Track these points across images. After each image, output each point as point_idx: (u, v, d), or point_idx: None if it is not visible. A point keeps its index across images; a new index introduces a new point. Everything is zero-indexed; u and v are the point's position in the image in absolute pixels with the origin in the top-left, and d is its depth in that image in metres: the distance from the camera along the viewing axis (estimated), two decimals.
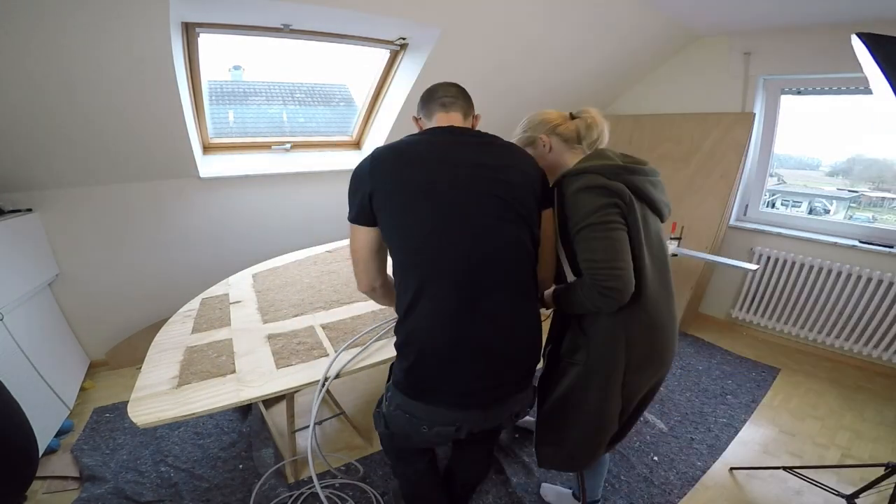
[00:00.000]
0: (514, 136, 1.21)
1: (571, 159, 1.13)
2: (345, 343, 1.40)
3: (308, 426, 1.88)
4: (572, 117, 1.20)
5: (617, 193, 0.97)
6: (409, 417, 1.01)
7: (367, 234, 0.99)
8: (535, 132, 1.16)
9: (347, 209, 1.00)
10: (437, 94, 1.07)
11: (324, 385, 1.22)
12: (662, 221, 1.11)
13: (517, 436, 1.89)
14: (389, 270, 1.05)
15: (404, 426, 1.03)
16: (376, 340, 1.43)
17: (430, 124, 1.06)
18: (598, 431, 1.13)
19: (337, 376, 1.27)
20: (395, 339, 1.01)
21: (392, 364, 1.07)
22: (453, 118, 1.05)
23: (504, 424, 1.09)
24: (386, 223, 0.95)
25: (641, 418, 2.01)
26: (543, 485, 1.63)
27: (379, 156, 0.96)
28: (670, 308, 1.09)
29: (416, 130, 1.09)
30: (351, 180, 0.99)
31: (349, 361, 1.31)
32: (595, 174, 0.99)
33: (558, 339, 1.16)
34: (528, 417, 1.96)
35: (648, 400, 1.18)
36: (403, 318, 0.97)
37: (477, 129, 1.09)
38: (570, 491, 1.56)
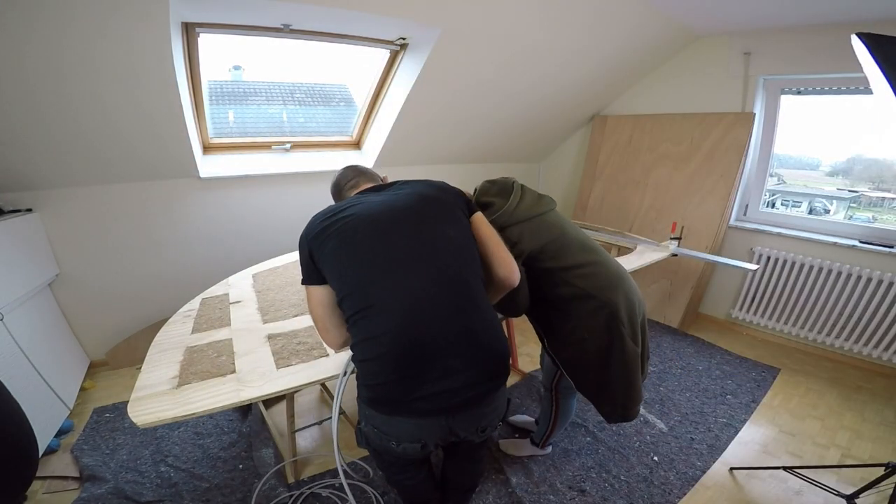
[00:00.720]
0: None
1: None
2: None
3: (307, 426, 1.89)
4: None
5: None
6: (379, 433, 1.02)
7: (319, 293, 1.06)
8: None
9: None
10: (342, 184, 1.25)
11: (346, 375, 1.23)
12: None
13: (517, 435, 1.89)
14: None
15: (378, 442, 1.04)
16: None
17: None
18: (632, 380, 1.31)
19: (355, 371, 1.27)
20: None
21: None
22: (367, 184, 1.23)
23: (473, 438, 1.07)
24: (330, 272, 1.02)
25: (641, 418, 2.03)
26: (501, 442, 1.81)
27: (313, 221, 1.08)
28: (612, 262, 1.34)
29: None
30: (299, 244, 1.09)
31: None
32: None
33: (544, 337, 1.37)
34: (524, 417, 1.96)
35: (646, 334, 1.38)
36: (355, 336, 1.00)
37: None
38: (534, 419, 1.75)
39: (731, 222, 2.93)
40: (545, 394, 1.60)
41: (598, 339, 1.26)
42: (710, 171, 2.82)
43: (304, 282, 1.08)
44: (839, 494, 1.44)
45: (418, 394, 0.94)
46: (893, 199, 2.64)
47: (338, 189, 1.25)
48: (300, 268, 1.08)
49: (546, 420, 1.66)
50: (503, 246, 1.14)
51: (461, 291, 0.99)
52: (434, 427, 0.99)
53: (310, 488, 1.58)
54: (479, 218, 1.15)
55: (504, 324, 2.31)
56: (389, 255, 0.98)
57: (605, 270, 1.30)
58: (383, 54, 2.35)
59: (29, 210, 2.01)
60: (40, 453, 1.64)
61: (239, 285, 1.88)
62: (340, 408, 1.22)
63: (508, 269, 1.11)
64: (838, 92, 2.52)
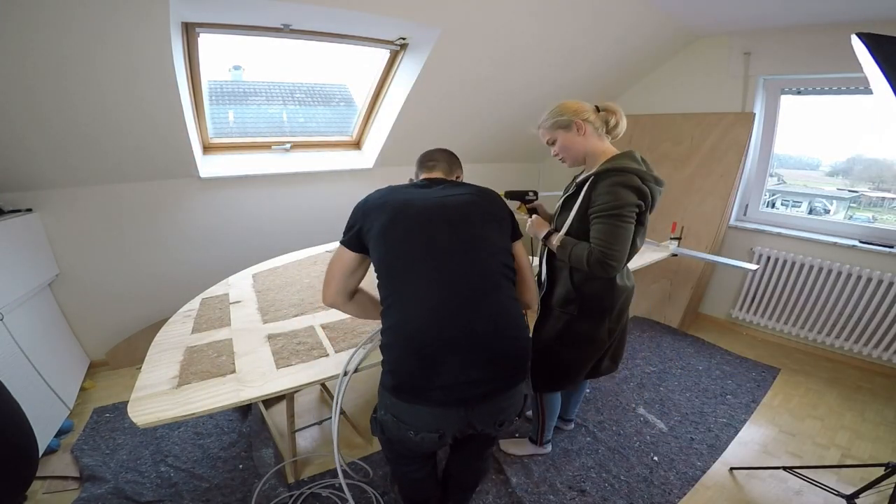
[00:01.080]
0: (543, 121, 1.38)
1: (598, 145, 1.37)
2: (364, 337, 1.42)
3: (307, 426, 1.89)
4: (598, 109, 1.41)
5: (644, 197, 1.21)
6: (397, 422, 1.03)
7: (350, 257, 1.12)
8: (573, 117, 1.34)
9: (345, 223, 1.14)
10: (425, 159, 1.33)
11: (346, 375, 1.24)
12: None
13: (517, 435, 1.89)
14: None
15: (395, 431, 1.06)
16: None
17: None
18: (589, 353, 1.44)
19: (356, 370, 1.28)
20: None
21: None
22: (435, 174, 1.28)
23: (489, 431, 1.09)
24: (374, 248, 1.07)
25: (641, 418, 2.03)
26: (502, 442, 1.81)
27: (372, 196, 1.14)
28: (631, 275, 1.49)
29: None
30: (353, 210, 1.15)
31: (365, 357, 1.32)
32: (633, 175, 1.21)
33: (549, 292, 1.47)
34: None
35: (625, 333, 1.52)
36: (386, 320, 1.05)
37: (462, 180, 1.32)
38: (527, 439, 1.81)
39: (731, 222, 2.93)
40: (531, 391, 1.61)
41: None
42: (710, 171, 2.82)
43: (342, 242, 1.13)
44: (839, 494, 1.44)
45: (438, 382, 0.96)
46: (893, 199, 2.64)
47: (420, 161, 1.35)
48: (346, 226, 1.14)
49: (536, 417, 1.70)
50: (532, 273, 1.23)
51: (490, 292, 1.03)
52: (453, 417, 1.01)
53: (310, 488, 1.58)
54: (519, 245, 1.21)
55: None
56: (430, 249, 1.02)
57: None
58: (383, 54, 2.35)
59: (29, 210, 2.01)
60: (40, 453, 1.64)
61: (239, 285, 1.88)
62: (340, 408, 1.22)
63: (533, 296, 1.24)
64: (838, 92, 2.52)
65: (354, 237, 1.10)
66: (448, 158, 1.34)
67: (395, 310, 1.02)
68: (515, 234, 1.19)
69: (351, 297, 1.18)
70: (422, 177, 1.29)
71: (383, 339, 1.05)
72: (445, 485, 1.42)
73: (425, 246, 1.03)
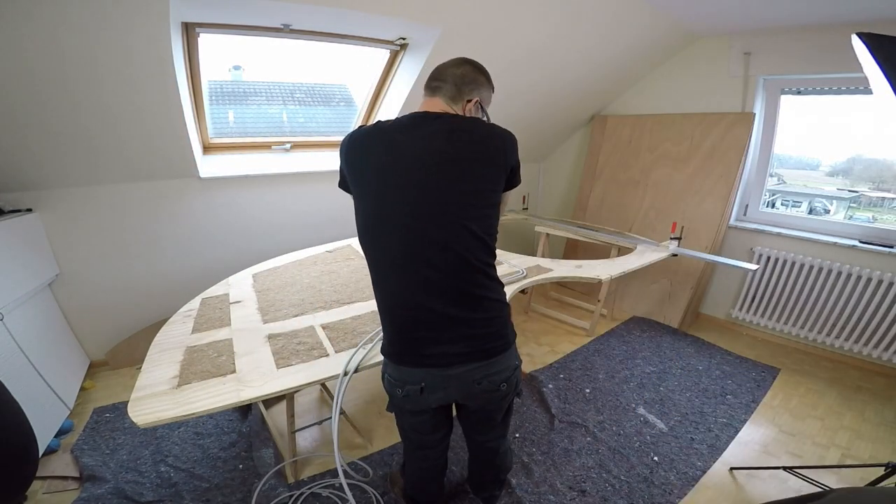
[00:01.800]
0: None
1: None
2: (364, 337, 1.42)
3: (307, 426, 1.89)
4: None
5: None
6: (390, 380, 1.07)
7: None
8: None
9: (345, 223, 1.07)
10: (431, 77, 1.09)
11: (346, 375, 1.24)
12: None
13: (517, 436, 1.89)
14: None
15: (389, 390, 1.09)
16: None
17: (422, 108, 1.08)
18: None
19: (356, 370, 1.28)
20: None
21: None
22: (434, 104, 1.06)
23: (471, 395, 1.07)
24: (354, 199, 1.02)
25: (641, 418, 2.03)
26: None
27: (354, 136, 1.01)
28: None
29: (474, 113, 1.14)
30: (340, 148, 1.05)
31: (365, 357, 1.32)
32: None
33: None
34: None
35: None
36: (373, 286, 1.05)
37: (469, 113, 1.09)
38: None
39: (731, 222, 2.93)
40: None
41: None
42: (710, 171, 2.82)
43: (339, 186, 1.08)
44: None
45: (420, 352, 1.00)
46: (893, 199, 2.64)
47: (429, 78, 1.10)
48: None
49: None
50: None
51: (459, 282, 0.97)
52: (433, 376, 1.02)
53: (310, 488, 1.58)
54: (507, 195, 1.09)
55: None
56: (400, 215, 0.94)
57: None
58: (383, 54, 2.35)
59: (29, 210, 2.01)
60: (40, 453, 1.64)
61: (239, 285, 1.89)
62: (340, 408, 1.22)
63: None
64: (838, 92, 2.52)
65: (343, 181, 1.06)
66: (458, 78, 1.07)
67: (373, 274, 1.03)
68: (511, 182, 1.06)
69: None
70: (422, 104, 1.08)
71: (377, 303, 1.05)
72: (470, 475, 1.48)
73: (395, 211, 0.94)
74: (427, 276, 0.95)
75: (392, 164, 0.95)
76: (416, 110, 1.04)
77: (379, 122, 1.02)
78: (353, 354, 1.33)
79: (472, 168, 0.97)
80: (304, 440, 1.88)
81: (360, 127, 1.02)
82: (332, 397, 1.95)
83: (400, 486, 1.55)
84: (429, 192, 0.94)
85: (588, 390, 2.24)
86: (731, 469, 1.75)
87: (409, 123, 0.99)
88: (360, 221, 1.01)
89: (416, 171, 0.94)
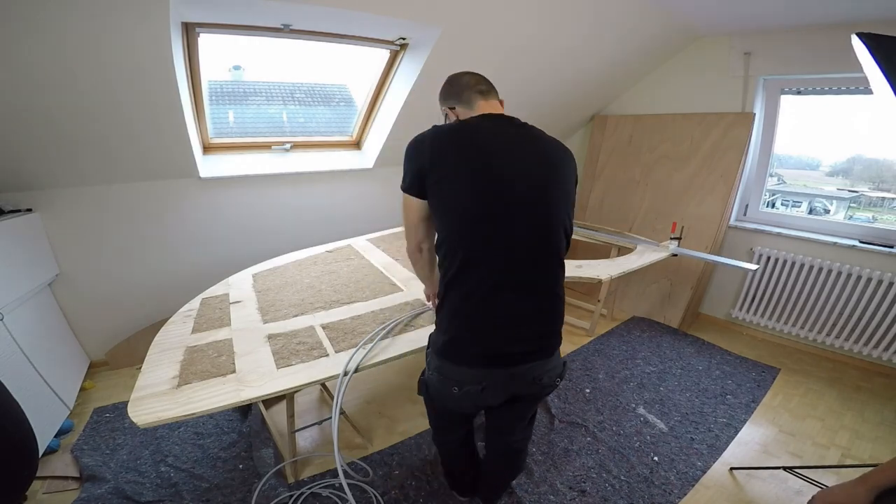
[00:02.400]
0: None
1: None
2: (364, 337, 1.41)
3: (307, 426, 1.89)
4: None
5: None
6: (443, 379, 1.06)
7: (418, 203, 1.05)
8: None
9: (401, 179, 1.06)
10: (470, 83, 1.12)
11: (346, 375, 1.24)
12: None
13: None
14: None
15: (439, 388, 1.09)
16: (382, 339, 1.43)
17: (471, 112, 1.10)
18: None
19: (356, 370, 1.28)
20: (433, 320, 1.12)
21: (431, 333, 1.14)
22: (495, 105, 1.11)
23: (530, 390, 1.10)
24: (439, 199, 1.00)
25: (641, 418, 2.03)
26: None
27: (440, 134, 1.00)
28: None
29: (443, 121, 1.17)
30: (408, 150, 1.05)
31: (365, 356, 1.32)
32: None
33: None
34: None
35: None
36: (447, 287, 1.02)
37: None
38: None
39: (731, 222, 2.93)
40: None
41: None
42: (710, 171, 2.82)
43: (403, 187, 1.06)
44: None
45: (493, 351, 1.01)
46: (893, 199, 2.64)
47: (464, 86, 1.12)
48: (404, 171, 1.06)
49: None
50: None
51: (549, 273, 1.03)
52: (501, 375, 1.04)
53: (310, 488, 1.58)
54: None
55: None
56: (500, 216, 0.96)
57: None
58: (383, 54, 2.35)
59: (29, 210, 2.01)
60: (40, 453, 1.64)
61: (239, 285, 1.89)
62: (340, 408, 1.22)
63: None
64: (838, 92, 2.52)
65: (418, 183, 1.02)
66: (486, 83, 1.14)
67: (456, 272, 0.99)
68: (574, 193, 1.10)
69: (432, 243, 1.13)
70: (478, 107, 1.09)
71: (442, 304, 1.05)
72: (483, 475, 1.47)
73: (502, 211, 0.95)
74: (525, 274, 0.99)
75: (495, 166, 0.96)
76: (475, 112, 1.08)
77: (451, 124, 1.06)
78: (353, 354, 1.33)
79: (564, 171, 1.04)
80: (304, 440, 1.88)
81: (434, 128, 1.03)
82: (332, 397, 1.95)
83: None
84: (537, 193, 0.98)
85: (588, 390, 2.24)
86: (731, 469, 1.75)
87: (495, 127, 1.03)
88: (452, 218, 0.98)
89: (521, 174, 0.97)
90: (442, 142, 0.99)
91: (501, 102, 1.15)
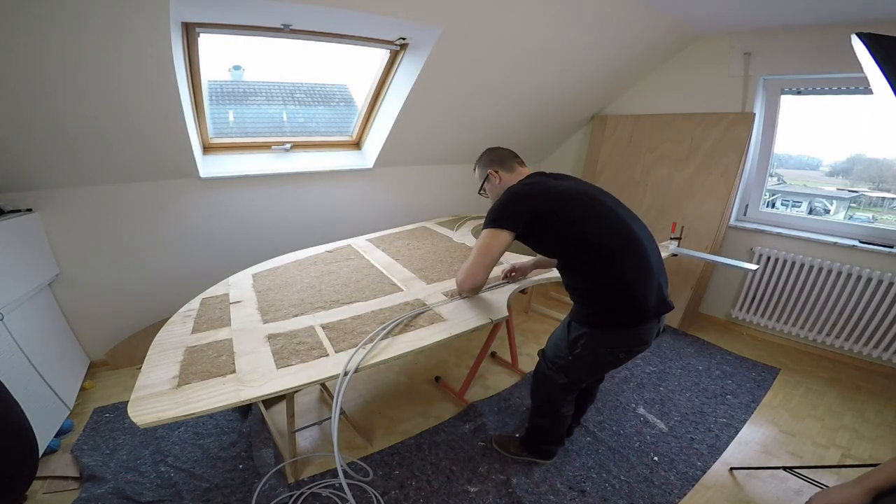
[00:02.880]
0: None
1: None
2: (364, 337, 1.41)
3: (307, 426, 1.89)
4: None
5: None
6: (612, 348, 1.37)
7: (506, 239, 1.36)
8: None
9: (493, 219, 1.38)
10: (509, 154, 1.59)
11: (346, 375, 1.24)
12: None
13: (518, 436, 1.89)
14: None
15: (604, 356, 1.41)
16: (382, 339, 1.43)
17: (510, 175, 1.54)
18: None
19: (356, 370, 1.28)
20: (582, 301, 1.40)
21: (570, 322, 1.45)
22: (529, 169, 1.57)
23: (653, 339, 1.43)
24: (562, 227, 1.34)
25: (641, 418, 2.03)
26: None
27: (538, 191, 1.38)
28: None
29: (479, 183, 1.62)
30: (513, 202, 1.38)
31: (365, 357, 1.32)
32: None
33: None
34: None
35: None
36: (595, 277, 1.32)
37: None
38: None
39: (731, 222, 2.93)
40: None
41: None
42: (710, 171, 2.82)
43: (499, 226, 1.36)
44: None
45: (643, 309, 1.31)
46: (893, 198, 2.64)
47: (506, 158, 1.57)
48: (500, 214, 1.37)
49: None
50: None
51: (656, 246, 1.41)
52: (653, 327, 1.35)
53: (310, 488, 1.58)
54: None
55: (504, 324, 2.32)
56: (616, 222, 1.34)
57: None
58: (383, 54, 2.35)
59: (29, 210, 2.01)
60: (40, 453, 1.64)
61: (239, 285, 1.88)
62: (340, 408, 1.22)
63: None
64: (838, 92, 2.52)
65: (521, 221, 1.35)
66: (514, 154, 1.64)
67: (602, 268, 1.30)
68: None
69: None
70: (519, 171, 1.56)
71: (595, 289, 1.34)
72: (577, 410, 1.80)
73: (616, 220, 1.35)
74: (654, 258, 1.35)
75: (594, 200, 1.38)
76: (515, 175, 1.54)
77: (535, 182, 1.43)
78: (353, 354, 1.32)
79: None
80: (304, 440, 1.88)
81: (528, 185, 1.42)
82: (331, 397, 1.95)
83: (516, 445, 1.78)
84: (623, 211, 1.41)
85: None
86: (731, 469, 1.75)
87: (562, 177, 1.50)
88: (587, 237, 1.32)
89: (607, 203, 1.40)
90: (547, 197, 1.36)
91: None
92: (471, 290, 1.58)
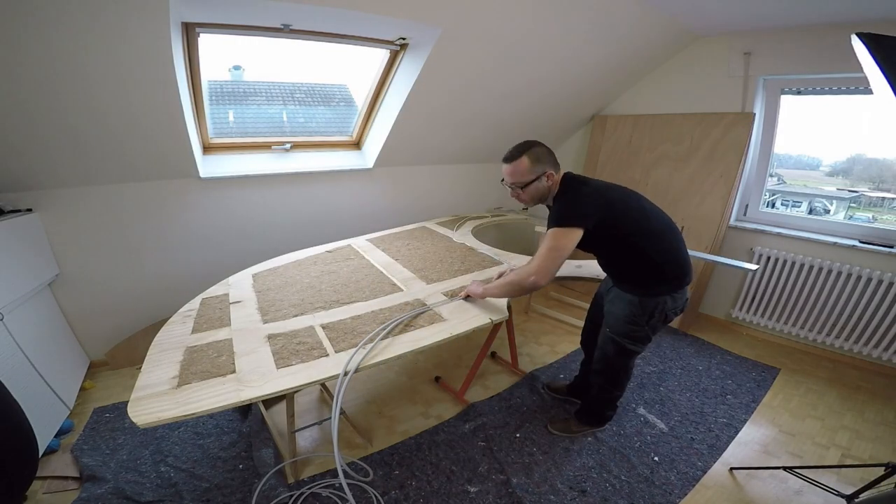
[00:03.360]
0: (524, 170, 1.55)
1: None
2: (364, 337, 1.41)
3: (307, 426, 1.89)
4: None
5: None
6: (673, 310, 1.62)
7: (579, 236, 1.47)
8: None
9: (566, 217, 1.47)
10: (551, 157, 1.58)
11: (346, 375, 1.25)
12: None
13: (518, 436, 1.89)
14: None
15: (667, 314, 1.63)
16: (382, 339, 1.43)
17: (556, 175, 1.58)
18: None
19: (357, 370, 1.28)
20: (650, 278, 1.59)
21: (637, 299, 1.60)
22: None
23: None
24: (628, 224, 1.52)
25: (642, 418, 2.03)
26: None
27: (603, 198, 1.52)
28: None
29: (527, 179, 1.55)
30: (584, 203, 1.49)
31: (365, 357, 1.32)
32: None
33: None
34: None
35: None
36: (660, 255, 1.56)
37: None
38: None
39: (731, 222, 2.93)
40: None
41: None
42: (710, 171, 2.82)
43: (573, 224, 1.46)
44: (839, 494, 1.44)
45: (689, 276, 1.64)
46: (893, 198, 2.64)
47: (552, 156, 1.58)
48: (573, 212, 1.48)
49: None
50: None
51: (683, 243, 1.67)
52: (687, 289, 1.67)
53: (310, 488, 1.58)
54: None
55: (504, 324, 2.32)
56: (657, 215, 1.60)
57: None
58: (383, 54, 2.35)
59: (29, 210, 2.01)
60: (40, 453, 1.63)
61: (239, 285, 1.89)
62: (340, 408, 1.22)
63: None
64: (838, 92, 2.52)
65: (596, 220, 1.47)
66: None
67: (664, 248, 1.57)
68: None
69: None
70: (562, 171, 1.61)
71: (662, 263, 1.57)
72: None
73: (664, 220, 1.61)
74: (679, 242, 1.63)
75: (641, 203, 1.60)
76: (559, 174, 1.59)
77: (591, 189, 1.54)
78: (353, 354, 1.33)
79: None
80: (304, 440, 1.88)
81: (591, 188, 1.54)
82: (331, 397, 1.95)
83: (576, 423, 1.94)
84: (652, 205, 1.63)
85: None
86: (731, 469, 1.75)
87: (591, 180, 1.61)
88: (642, 231, 1.54)
89: (644, 205, 1.61)
90: (611, 203, 1.52)
91: None
92: (541, 285, 1.58)
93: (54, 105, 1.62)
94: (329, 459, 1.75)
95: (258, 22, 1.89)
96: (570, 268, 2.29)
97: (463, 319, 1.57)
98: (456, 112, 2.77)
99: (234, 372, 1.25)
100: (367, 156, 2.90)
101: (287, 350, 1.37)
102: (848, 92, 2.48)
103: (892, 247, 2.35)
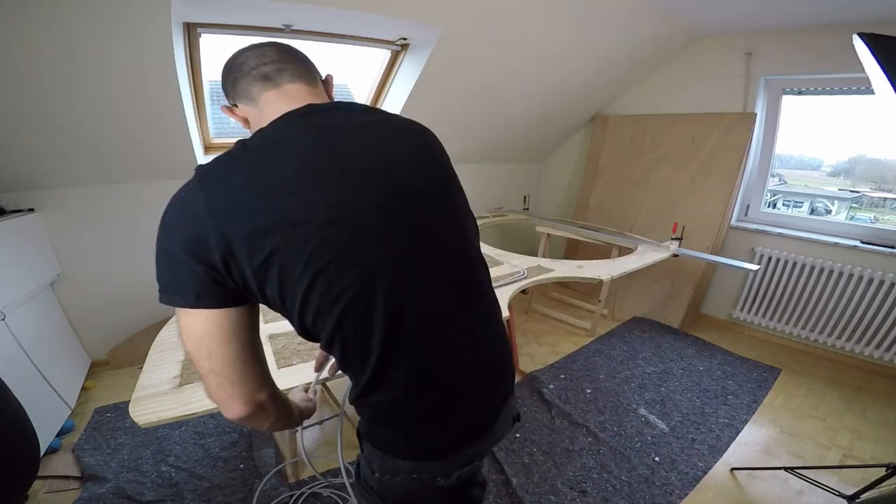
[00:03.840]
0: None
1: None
2: None
3: (308, 426, 1.89)
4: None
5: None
6: (419, 477, 0.74)
7: (225, 317, 0.62)
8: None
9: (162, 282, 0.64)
10: (249, 65, 0.69)
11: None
12: None
13: (518, 436, 1.89)
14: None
15: (414, 490, 0.75)
16: None
17: (261, 113, 0.68)
18: None
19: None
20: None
21: (361, 431, 0.79)
22: (293, 91, 0.69)
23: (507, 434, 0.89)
24: (290, 282, 0.63)
25: (642, 419, 2.03)
26: None
27: (221, 179, 0.61)
28: None
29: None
30: (166, 231, 0.65)
31: None
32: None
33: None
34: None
35: None
36: (371, 381, 0.68)
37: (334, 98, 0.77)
38: None
39: (733, 223, 2.92)
40: None
41: None
42: (712, 171, 2.82)
43: (190, 304, 0.62)
44: (840, 495, 1.44)
45: (469, 422, 0.75)
46: (895, 199, 2.64)
47: (239, 70, 0.70)
48: (161, 272, 0.67)
49: None
50: None
51: (485, 311, 0.75)
52: (485, 439, 0.78)
53: (310, 488, 1.58)
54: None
55: (506, 323, 2.31)
56: (414, 288, 0.65)
57: None
58: (384, 54, 2.35)
59: (31, 210, 2.01)
60: (42, 453, 1.64)
61: None
62: (341, 407, 1.22)
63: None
64: (840, 92, 2.52)
65: (213, 279, 0.63)
66: (294, 54, 0.76)
67: (382, 367, 0.70)
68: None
69: (275, 385, 0.76)
70: (265, 102, 0.69)
71: (373, 402, 0.74)
72: None
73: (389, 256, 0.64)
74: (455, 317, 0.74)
75: (356, 184, 0.65)
76: (273, 111, 0.67)
77: (244, 147, 0.65)
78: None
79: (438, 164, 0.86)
80: (305, 440, 1.88)
81: (209, 171, 0.69)
82: (332, 397, 1.96)
83: None
84: None
85: (589, 391, 2.24)
86: (732, 469, 1.75)
87: (311, 123, 0.66)
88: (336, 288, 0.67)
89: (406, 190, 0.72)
90: (233, 194, 0.63)
91: (325, 80, 0.80)
92: (250, 421, 0.72)
93: (55, 105, 1.62)
94: (330, 459, 1.75)
95: (259, 22, 1.89)
96: (571, 268, 2.29)
97: None
98: (456, 112, 2.77)
99: None
100: None
101: (288, 350, 1.37)
102: (849, 92, 2.48)
103: (893, 247, 2.34)
